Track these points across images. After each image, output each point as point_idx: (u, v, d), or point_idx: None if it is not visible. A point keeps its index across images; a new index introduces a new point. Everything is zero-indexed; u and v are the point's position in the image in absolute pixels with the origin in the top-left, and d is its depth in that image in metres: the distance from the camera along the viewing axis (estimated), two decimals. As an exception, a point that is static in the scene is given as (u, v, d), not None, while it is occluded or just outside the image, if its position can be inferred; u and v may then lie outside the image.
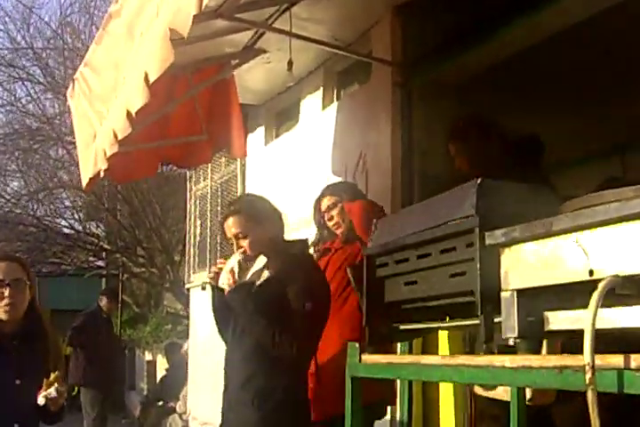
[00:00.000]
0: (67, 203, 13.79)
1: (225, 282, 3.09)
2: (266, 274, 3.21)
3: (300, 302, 2.97)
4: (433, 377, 1.64)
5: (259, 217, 3.19)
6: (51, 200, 13.62)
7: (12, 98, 14.04)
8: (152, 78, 2.59)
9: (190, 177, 7.60)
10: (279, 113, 6.13)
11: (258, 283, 3.17)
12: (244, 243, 3.15)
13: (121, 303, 11.37)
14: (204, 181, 7.27)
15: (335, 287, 3.48)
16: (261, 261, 3.27)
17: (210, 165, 7.00)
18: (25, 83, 13.71)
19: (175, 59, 2.64)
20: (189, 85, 4.70)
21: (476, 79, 4.24)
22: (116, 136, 3.19)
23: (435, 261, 1.78)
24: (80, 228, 13.42)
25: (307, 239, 3.43)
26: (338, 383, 3.33)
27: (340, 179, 4.65)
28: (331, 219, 3.65)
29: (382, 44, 4.61)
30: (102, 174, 3.72)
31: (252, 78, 5.47)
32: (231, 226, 3.17)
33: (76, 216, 13.55)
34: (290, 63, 4.24)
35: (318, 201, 3.76)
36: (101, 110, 3.72)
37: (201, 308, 6.87)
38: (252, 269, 3.26)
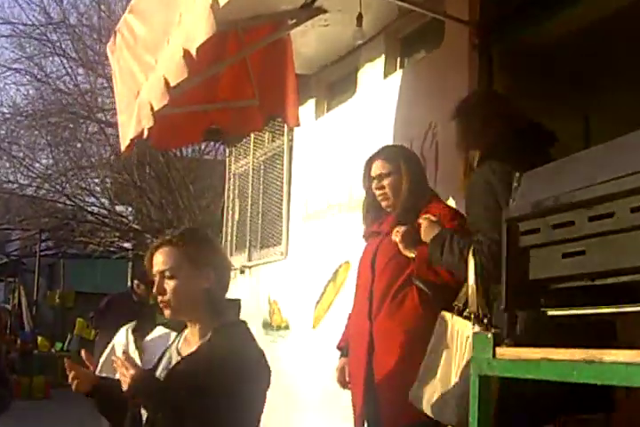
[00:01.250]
0: (96, 181, 13.42)
1: (126, 374, 2.15)
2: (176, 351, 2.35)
3: (226, 392, 2.15)
4: (629, 382, 1.17)
5: (203, 257, 2.30)
6: (80, 177, 13.25)
7: (43, 73, 13.67)
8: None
9: (230, 153, 7.13)
10: (333, 83, 5.63)
11: (170, 364, 2.32)
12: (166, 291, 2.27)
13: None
14: (244, 158, 6.79)
15: (385, 285, 3.03)
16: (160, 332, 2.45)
17: (252, 140, 6.53)
18: (60, 57, 13.33)
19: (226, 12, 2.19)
20: (241, 44, 4.25)
21: (571, 44, 3.74)
22: (167, 83, 2.74)
23: (619, 224, 1.31)
24: (109, 207, 13.06)
25: (239, 301, 2.44)
26: (401, 391, 2.93)
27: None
28: (380, 188, 3.17)
29: (458, 3, 4.11)
30: (146, 133, 3.27)
31: (306, 43, 4.97)
32: (160, 260, 2.30)
33: (106, 194, 13.18)
34: (359, 18, 3.79)
35: (369, 163, 3.26)
36: (149, 61, 3.28)
37: (238, 292, 6.45)
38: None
